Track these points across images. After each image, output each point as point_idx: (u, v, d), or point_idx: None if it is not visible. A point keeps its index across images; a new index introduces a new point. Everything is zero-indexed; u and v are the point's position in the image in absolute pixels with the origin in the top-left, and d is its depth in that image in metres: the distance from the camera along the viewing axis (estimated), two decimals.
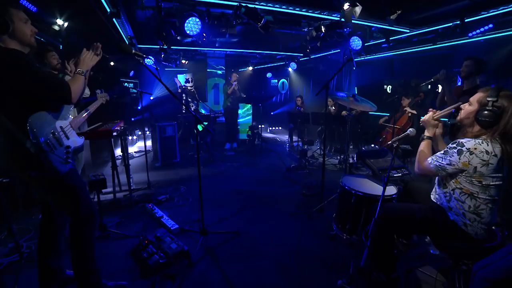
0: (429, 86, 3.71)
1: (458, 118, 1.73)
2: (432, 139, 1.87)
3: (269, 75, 9.98)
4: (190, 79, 5.82)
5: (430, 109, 1.92)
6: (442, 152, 1.65)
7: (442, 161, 1.62)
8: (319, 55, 7.00)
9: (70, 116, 1.82)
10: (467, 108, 1.66)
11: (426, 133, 1.88)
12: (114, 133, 3.25)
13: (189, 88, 5.98)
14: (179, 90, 6.33)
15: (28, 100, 1.46)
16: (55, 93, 1.52)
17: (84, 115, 2.56)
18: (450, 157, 1.57)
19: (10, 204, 2.88)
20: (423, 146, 1.84)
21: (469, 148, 1.51)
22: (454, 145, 1.58)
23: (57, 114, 1.65)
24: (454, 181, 1.63)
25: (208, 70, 8.53)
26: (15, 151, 1.48)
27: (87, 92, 3.50)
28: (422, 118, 1.92)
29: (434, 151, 1.86)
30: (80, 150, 1.86)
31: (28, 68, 1.42)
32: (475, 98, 1.63)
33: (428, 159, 1.71)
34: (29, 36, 1.52)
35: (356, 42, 4.50)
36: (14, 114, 1.43)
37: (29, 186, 1.63)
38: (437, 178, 1.80)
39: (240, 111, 7.83)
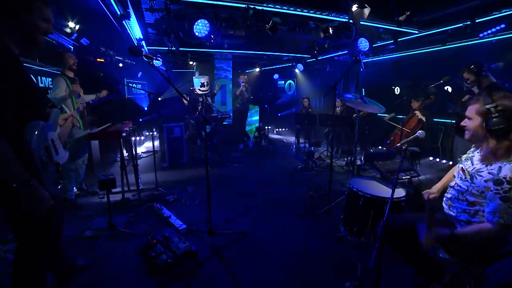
0: (437, 87, 3.68)
1: (467, 137, 1.62)
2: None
3: (276, 76, 9.99)
4: (205, 83, 5.77)
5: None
6: (498, 201, 1.39)
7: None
8: (326, 56, 6.98)
9: (58, 126, 1.63)
10: (470, 125, 1.56)
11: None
12: (123, 134, 3.30)
13: (204, 91, 5.94)
14: (200, 97, 6.20)
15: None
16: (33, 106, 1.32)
17: (68, 123, 2.37)
18: None
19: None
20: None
21: None
22: (507, 186, 1.37)
23: (48, 124, 1.44)
24: None
25: (215, 71, 8.59)
26: None
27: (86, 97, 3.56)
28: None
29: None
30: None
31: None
32: (471, 112, 1.54)
33: (488, 218, 1.42)
34: (38, 35, 1.33)
35: (363, 44, 4.48)
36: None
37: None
38: (455, 190, 1.68)
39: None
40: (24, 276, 1.40)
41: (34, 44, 1.31)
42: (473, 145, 1.71)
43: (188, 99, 6.16)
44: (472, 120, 1.55)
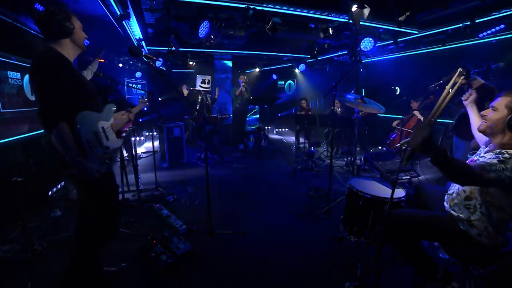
0: (437, 87, 3.69)
1: (482, 127, 1.60)
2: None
3: (274, 76, 9.98)
4: (206, 80, 5.79)
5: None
6: (494, 160, 1.41)
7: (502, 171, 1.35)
8: (326, 56, 6.98)
9: (112, 118, 1.86)
10: (492, 116, 1.53)
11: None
12: (123, 134, 3.29)
13: (205, 89, 5.96)
14: (200, 95, 6.21)
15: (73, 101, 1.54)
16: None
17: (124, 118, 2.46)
18: None
19: (23, 202, 2.94)
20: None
21: None
22: (508, 155, 1.40)
23: (100, 114, 1.73)
24: (485, 194, 1.50)
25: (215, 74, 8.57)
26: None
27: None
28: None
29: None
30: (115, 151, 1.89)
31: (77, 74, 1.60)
32: (500, 103, 1.51)
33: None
34: (83, 41, 1.69)
35: (366, 43, 4.46)
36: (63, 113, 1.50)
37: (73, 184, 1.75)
38: (455, 186, 1.71)
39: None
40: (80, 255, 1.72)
41: (81, 48, 1.70)
42: (483, 143, 1.73)
43: (185, 94, 6.19)
44: (497, 111, 1.53)
